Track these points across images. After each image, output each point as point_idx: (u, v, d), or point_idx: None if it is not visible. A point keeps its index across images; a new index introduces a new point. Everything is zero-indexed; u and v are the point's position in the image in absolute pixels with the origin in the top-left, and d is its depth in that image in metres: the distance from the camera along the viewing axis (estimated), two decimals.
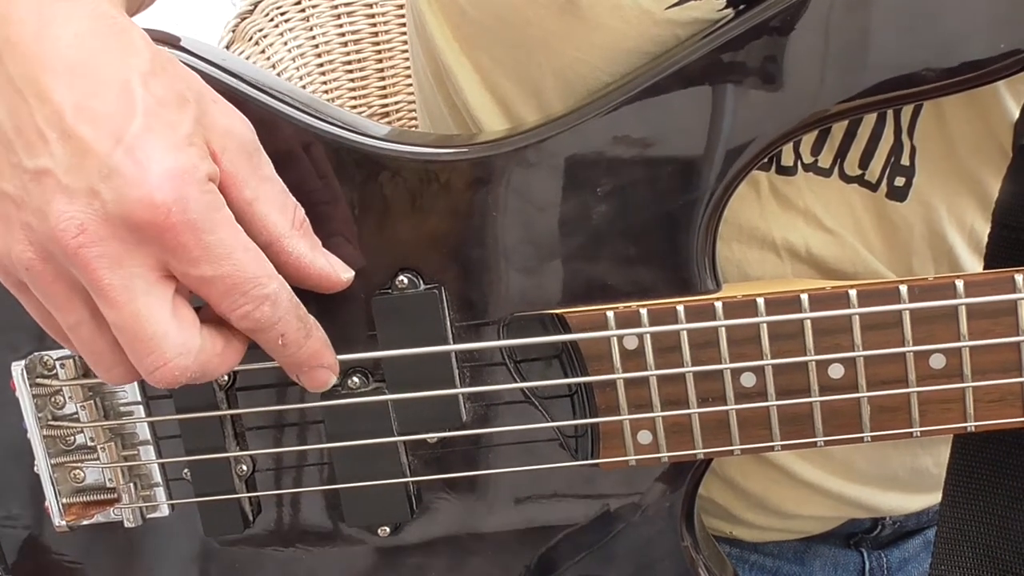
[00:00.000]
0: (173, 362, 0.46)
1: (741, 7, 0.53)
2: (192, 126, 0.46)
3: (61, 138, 0.44)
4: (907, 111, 0.58)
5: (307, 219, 0.51)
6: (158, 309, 0.45)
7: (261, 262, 0.47)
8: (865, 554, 0.73)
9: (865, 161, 0.59)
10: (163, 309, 0.46)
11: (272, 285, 0.47)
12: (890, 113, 0.58)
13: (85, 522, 0.59)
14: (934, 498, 0.70)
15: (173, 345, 0.46)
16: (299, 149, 0.53)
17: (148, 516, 0.59)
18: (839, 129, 0.58)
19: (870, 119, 0.58)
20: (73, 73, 0.44)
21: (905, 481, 0.68)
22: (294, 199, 0.51)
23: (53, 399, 0.58)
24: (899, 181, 0.60)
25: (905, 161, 0.59)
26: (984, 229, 0.61)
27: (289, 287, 0.49)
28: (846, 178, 0.60)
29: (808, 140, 0.59)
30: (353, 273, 0.53)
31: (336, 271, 0.52)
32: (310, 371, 0.51)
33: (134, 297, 0.45)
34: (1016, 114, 0.57)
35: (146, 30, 0.49)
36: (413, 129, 1.06)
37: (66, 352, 0.57)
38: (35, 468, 0.58)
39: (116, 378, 0.49)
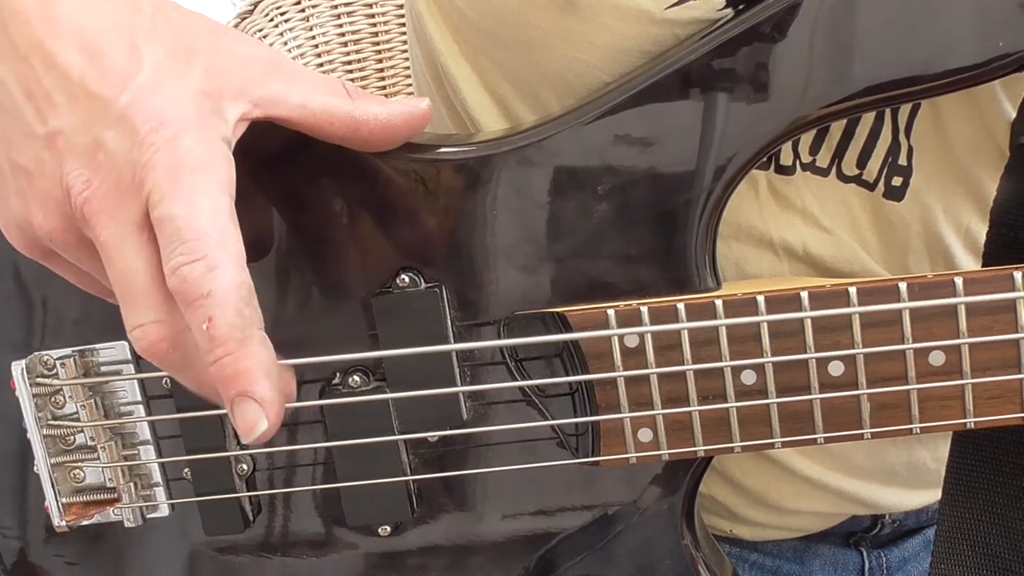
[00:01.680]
0: (149, 325, 0.44)
1: (740, 7, 0.53)
2: (204, 76, 0.45)
3: (69, 99, 0.44)
4: (904, 111, 0.58)
5: (357, 86, 0.50)
6: (143, 269, 0.44)
7: (222, 228, 0.43)
8: (865, 553, 0.73)
9: (863, 161, 0.59)
10: (148, 269, 0.44)
11: (218, 253, 0.42)
12: (888, 113, 0.58)
13: (85, 522, 0.59)
14: (933, 495, 0.70)
15: (150, 309, 0.44)
16: (300, 149, 0.53)
17: (148, 516, 0.59)
18: (837, 129, 0.59)
19: (868, 119, 0.58)
20: (79, 38, 0.44)
21: (903, 477, 0.68)
22: (334, 78, 0.50)
23: (53, 399, 0.58)
24: (896, 181, 0.60)
25: (903, 161, 0.59)
26: (980, 229, 0.61)
27: (246, 277, 0.43)
28: (844, 177, 0.60)
29: (806, 139, 0.59)
30: (428, 99, 0.52)
31: (414, 106, 0.51)
32: (237, 400, 0.43)
33: (124, 255, 0.44)
34: (1013, 113, 0.57)
35: None
36: None
37: (66, 351, 0.58)
38: (35, 468, 0.58)
39: None
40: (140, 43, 0.45)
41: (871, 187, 0.60)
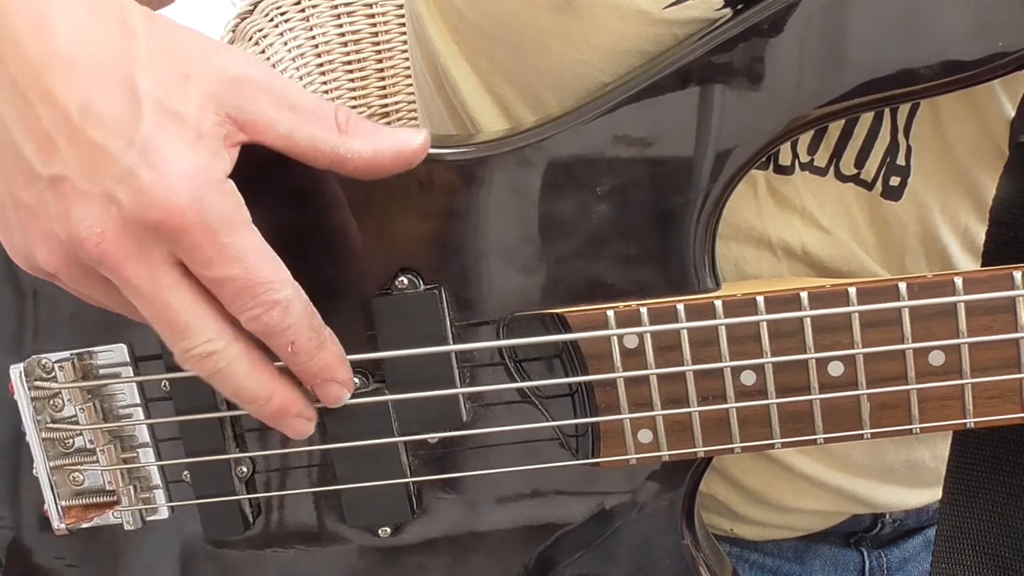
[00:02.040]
0: (202, 347, 0.47)
1: (739, 6, 0.53)
2: (199, 110, 0.45)
3: (71, 143, 0.44)
4: (903, 111, 0.58)
5: (353, 114, 0.50)
6: (186, 301, 0.46)
7: (275, 266, 0.47)
8: (865, 553, 0.73)
9: (861, 160, 0.59)
10: (191, 301, 0.46)
11: (284, 291, 0.47)
12: (887, 113, 0.58)
13: (84, 525, 0.59)
14: (932, 494, 0.70)
15: (205, 333, 0.47)
16: None
17: (148, 518, 0.59)
18: (835, 128, 0.59)
19: (867, 119, 0.58)
20: (75, 71, 0.44)
21: (902, 475, 0.68)
22: (330, 104, 0.50)
23: (52, 401, 0.58)
24: (894, 181, 0.60)
25: (901, 161, 0.59)
26: (978, 229, 0.61)
27: (304, 295, 0.48)
28: (842, 177, 0.60)
29: (804, 139, 0.59)
30: (426, 133, 0.51)
31: (408, 142, 0.50)
32: (322, 384, 0.51)
33: (163, 292, 0.46)
34: (1012, 113, 0.57)
35: None
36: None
37: (64, 354, 0.57)
38: (34, 471, 0.58)
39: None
40: (137, 78, 0.45)
41: (869, 187, 0.60)
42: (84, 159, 0.44)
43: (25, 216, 0.46)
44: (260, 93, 0.47)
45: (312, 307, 0.49)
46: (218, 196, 0.45)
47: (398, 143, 0.50)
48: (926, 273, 0.55)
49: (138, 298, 0.46)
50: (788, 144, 0.59)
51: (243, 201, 0.46)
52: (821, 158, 0.59)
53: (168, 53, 0.46)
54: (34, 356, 0.58)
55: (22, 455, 0.59)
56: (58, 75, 0.44)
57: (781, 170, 0.59)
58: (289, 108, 0.48)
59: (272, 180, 0.54)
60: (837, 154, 0.59)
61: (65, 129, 0.44)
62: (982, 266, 0.58)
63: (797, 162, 0.59)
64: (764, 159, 0.54)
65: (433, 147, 0.55)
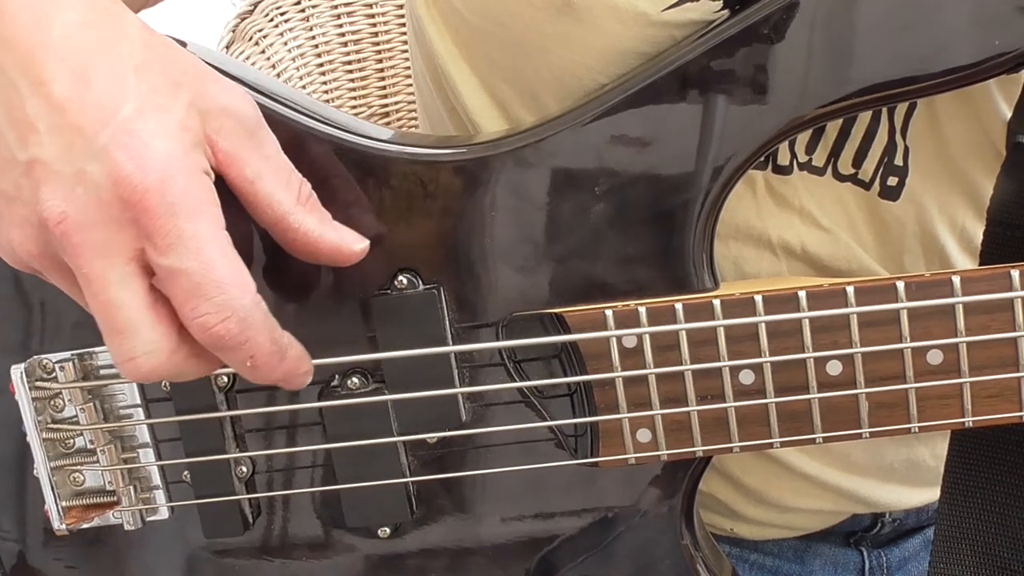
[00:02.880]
0: (141, 358, 0.45)
1: (737, 8, 0.53)
2: (185, 111, 0.45)
3: (50, 128, 0.44)
4: (900, 111, 0.58)
5: (315, 194, 0.50)
6: (131, 301, 0.44)
7: (236, 272, 0.45)
8: (865, 553, 0.73)
9: (859, 160, 0.60)
10: (136, 301, 0.45)
11: (243, 300, 0.45)
12: (884, 113, 0.58)
13: (85, 525, 0.59)
14: (932, 493, 0.70)
15: (143, 341, 0.45)
16: (298, 150, 0.53)
17: (148, 519, 0.59)
18: (833, 128, 0.59)
19: (864, 119, 0.59)
20: (65, 65, 0.44)
21: (902, 474, 0.68)
22: (300, 175, 0.50)
23: (53, 402, 0.58)
24: (892, 181, 0.60)
25: (898, 161, 0.60)
26: (975, 228, 0.61)
27: (264, 307, 0.46)
28: (840, 177, 0.60)
29: (803, 139, 0.59)
30: (367, 243, 0.51)
31: (348, 242, 0.50)
32: (282, 383, 0.50)
33: (108, 287, 0.44)
34: (1009, 113, 0.57)
35: None
36: (414, 130, 1.06)
37: (65, 355, 0.58)
38: (35, 471, 0.59)
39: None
40: (126, 75, 0.45)
41: (867, 186, 0.60)
42: (62, 141, 0.44)
43: (2, 204, 0.46)
44: (243, 131, 0.47)
45: (271, 319, 0.47)
46: (188, 183, 0.44)
47: (341, 240, 0.50)
48: (924, 272, 0.55)
49: (86, 288, 0.45)
50: (786, 144, 0.59)
51: (218, 202, 0.45)
52: (819, 158, 0.59)
53: (163, 64, 0.46)
54: (35, 356, 0.58)
55: (24, 457, 0.59)
56: (47, 68, 0.44)
57: (779, 170, 0.60)
58: (264, 157, 0.48)
59: None
60: (835, 154, 0.59)
61: (48, 115, 0.44)
62: (980, 265, 0.58)
63: (795, 162, 0.59)
64: (762, 159, 0.54)
65: (433, 148, 0.55)
